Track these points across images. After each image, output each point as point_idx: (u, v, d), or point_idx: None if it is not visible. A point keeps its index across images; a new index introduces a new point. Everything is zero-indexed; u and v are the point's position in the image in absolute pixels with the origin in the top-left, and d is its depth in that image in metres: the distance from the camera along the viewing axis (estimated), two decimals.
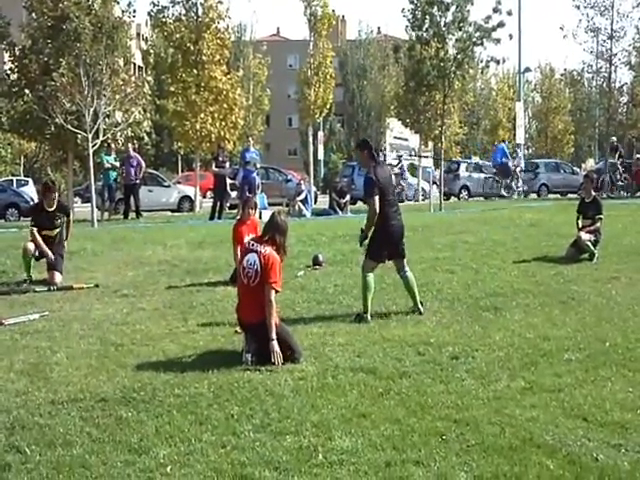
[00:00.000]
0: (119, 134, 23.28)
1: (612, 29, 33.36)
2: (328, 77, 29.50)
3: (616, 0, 33.04)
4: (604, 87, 37.14)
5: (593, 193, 12.67)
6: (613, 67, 34.67)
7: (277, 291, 6.92)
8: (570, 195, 32.15)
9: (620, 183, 29.96)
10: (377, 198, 8.52)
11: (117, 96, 20.68)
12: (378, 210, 8.50)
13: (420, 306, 8.73)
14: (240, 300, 7.24)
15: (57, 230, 11.41)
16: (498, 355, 6.90)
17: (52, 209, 11.28)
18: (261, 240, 7.19)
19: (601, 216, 12.39)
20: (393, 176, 9.96)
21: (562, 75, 60.36)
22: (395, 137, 40.01)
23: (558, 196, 32.23)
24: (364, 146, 9.00)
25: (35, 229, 11.15)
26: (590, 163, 55.43)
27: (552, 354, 6.94)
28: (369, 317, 8.45)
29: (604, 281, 10.37)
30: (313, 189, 28.72)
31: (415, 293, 8.79)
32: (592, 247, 11.96)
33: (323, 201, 29.36)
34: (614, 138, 32.03)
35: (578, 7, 33.65)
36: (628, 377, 6.27)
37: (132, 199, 22.69)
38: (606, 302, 9.16)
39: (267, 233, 7.21)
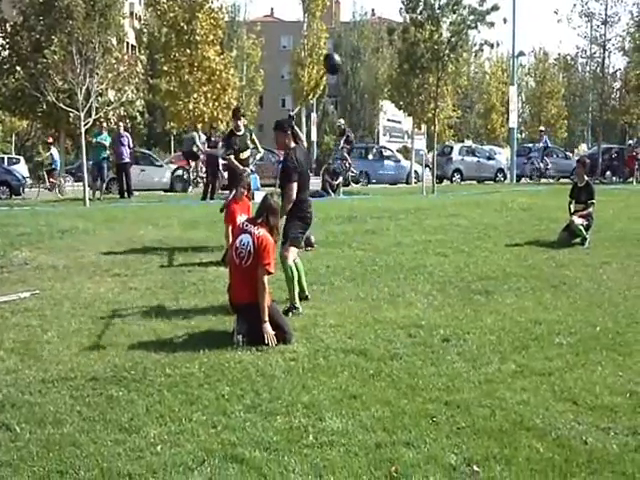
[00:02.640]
0: (111, 113, 23.18)
1: (606, 14, 33.41)
2: (321, 58, 29.37)
3: None
4: (598, 72, 37.23)
5: (586, 178, 12.67)
6: (607, 52, 34.78)
7: (270, 273, 6.91)
8: (562, 180, 32.17)
9: None
10: (295, 185, 7.93)
11: (110, 75, 20.60)
12: (295, 197, 7.92)
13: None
14: (231, 280, 7.22)
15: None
16: (489, 338, 6.91)
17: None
18: (254, 222, 7.17)
19: (593, 201, 12.40)
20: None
21: (556, 60, 60.41)
22: (389, 119, 39.95)
23: (551, 180, 32.23)
24: (285, 127, 8.18)
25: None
26: (583, 148, 55.57)
27: (543, 338, 6.95)
28: (300, 308, 7.97)
29: (595, 266, 10.39)
30: None
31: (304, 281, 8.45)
32: (584, 231, 11.98)
33: (315, 183, 29.28)
34: None
35: None
36: (618, 361, 6.30)
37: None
38: (597, 287, 9.18)
39: (260, 215, 7.17)
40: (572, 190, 12.74)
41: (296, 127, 8.53)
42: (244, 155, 11.73)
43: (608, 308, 8.10)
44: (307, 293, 8.45)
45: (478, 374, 5.94)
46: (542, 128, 36.23)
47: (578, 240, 11.97)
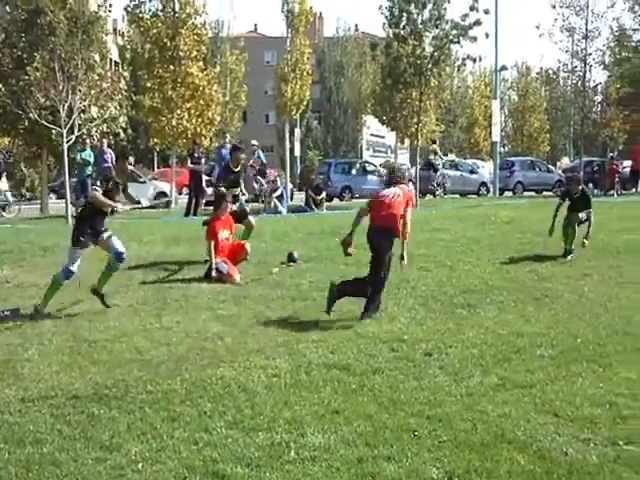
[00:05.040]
0: (94, 129, 23.12)
1: (587, 29, 33.67)
2: (305, 74, 29.43)
3: (591, 0, 33.40)
4: (579, 86, 37.45)
5: (580, 187, 12.62)
6: (588, 66, 34.99)
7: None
8: (545, 193, 32.39)
9: None
10: None
11: (93, 91, 20.54)
12: None
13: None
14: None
15: None
16: (471, 352, 6.93)
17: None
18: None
19: (590, 210, 12.37)
20: None
21: (538, 74, 60.86)
22: (372, 134, 40.12)
23: (533, 194, 32.42)
24: None
25: None
26: (565, 161, 55.89)
27: (525, 350, 6.99)
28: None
29: (577, 278, 10.46)
30: (289, 186, 28.68)
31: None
32: (572, 236, 12.05)
33: (299, 198, 29.31)
34: None
35: (554, 6, 33.94)
36: (598, 373, 6.34)
37: None
38: (578, 299, 9.24)
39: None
40: (566, 195, 12.63)
41: None
42: (235, 192, 11.73)
43: (589, 320, 8.16)
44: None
45: (460, 387, 5.96)
46: None
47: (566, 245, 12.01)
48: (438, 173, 30.70)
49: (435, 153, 31.53)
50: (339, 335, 7.57)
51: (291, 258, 11.64)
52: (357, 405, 5.59)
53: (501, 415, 5.36)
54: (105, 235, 8.90)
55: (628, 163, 34.19)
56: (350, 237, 8.87)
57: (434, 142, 32.67)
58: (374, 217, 8.65)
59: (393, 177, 9.09)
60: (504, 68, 39.29)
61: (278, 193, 23.30)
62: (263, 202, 23.23)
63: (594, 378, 6.19)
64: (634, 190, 31.18)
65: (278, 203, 22.78)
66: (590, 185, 34.01)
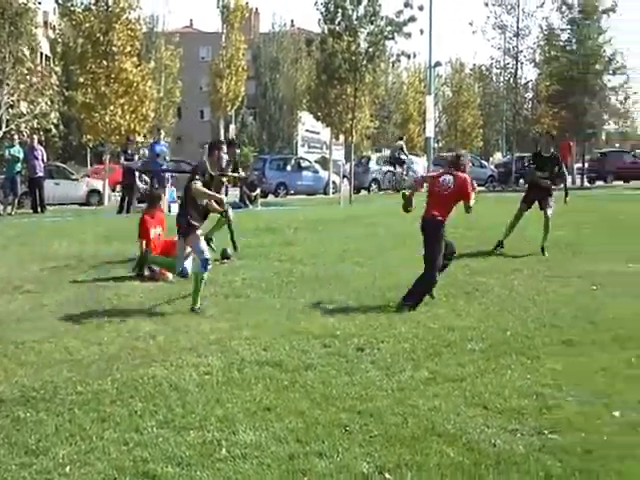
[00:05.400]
0: (24, 125, 22.65)
1: (518, 27, 34.37)
2: (240, 70, 29.40)
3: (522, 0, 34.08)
4: (511, 83, 38.19)
5: (552, 150, 12.76)
6: (519, 64, 35.72)
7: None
8: (479, 188, 32.81)
9: None
10: None
11: (21, 85, 20.20)
12: None
13: None
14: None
15: None
16: (403, 346, 7.00)
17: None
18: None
19: (564, 170, 12.76)
20: None
21: (471, 70, 61.76)
22: (307, 130, 40.14)
23: None
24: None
25: None
26: (498, 157, 56.91)
27: (456, 344, 7.09)
28: None
29: (507, 272, 10.65)
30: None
31: None
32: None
33: (234, 194, 29.17)
34: None
35: (487, 4, 34.61)
36: (526, 365, 6.47)
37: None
38: (509, 293, 9.41)
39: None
40: (535, 158, 12.86)
41: None
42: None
43: (518, 313, 8.32)
44: None
45: (391, 382, 6.01)
46: None
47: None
48: (404, 167, 31.23)
49: (401, 149, 32.00)
50: (272, 332, 7.56)
51: (225, 255, 11.58)
52: (289, 401, 5.60)
53: (431, 409, 5.43)
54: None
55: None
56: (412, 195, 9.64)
57: (400, 138, 33.11)
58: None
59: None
60: (438, 64, 39.79)
61: None
62: None
63: (522, 370, 6.32)
64: (562, 185, 31.79)
65: None
66: (521, 180, 34.75)
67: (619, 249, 12.47)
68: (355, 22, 23.92)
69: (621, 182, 36.40)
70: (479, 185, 32.81)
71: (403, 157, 31.50)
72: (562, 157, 32.39)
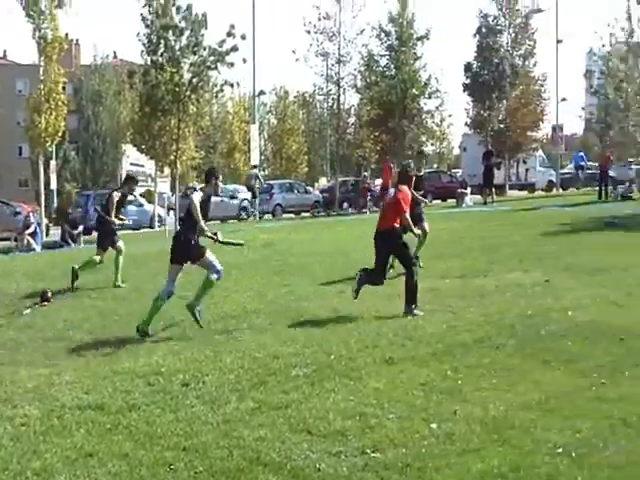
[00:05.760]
0: None
1: (339, 54, 35.41)
2: (60, 103, 28.45)
3: (342, 27, 35.18)
4: (334, 108, 39.21)
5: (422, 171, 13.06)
6: (341, 90, 36.78)
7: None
8: (304, 214, 33.45)
9: None
10: None
11: None
12: None
13: None
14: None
15: None
16: (228, 378, 6.98)
17: None
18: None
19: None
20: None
21: (295, 97, 62.99)
22: (132, 164, 39.46)
23: (292, 215, 33.37)
24: None
25: None
26: (323, 181, 58.17)
27: (281, 372, 7.14)
28: None
29: (331, 296, 10.86)
30: (44, 221, 27.47)
31: None
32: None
33: (56, 233, 28.17)
34: None
35: (308, 32, 35.42)
36: (350, 386, 6.62)
37: None
38: (333, 316, 9.60)
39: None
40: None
41: None
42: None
43: (342, 336, 8.46)
44: None
45: (216, 415, 5.98)
46: None
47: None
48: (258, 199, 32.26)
49: (257, 178, 32.54)
50: (94, 374, 7.33)
51: (44, 297, 11.15)
52: (112, 445, 5.45)
53: (257, 439, 5.45)
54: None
55: (379, 182, 36.24)
56: None
57: (254, 167, 33.23)
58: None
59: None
60: (262, 93, 40.39)
61: (31, 229, 22.26)
62: (16, 240, 22.11)
63: (346, 392, 6.45)
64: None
65: (32, 240, 21.74)
66: (345, 204, 35.72)
67: (439, 266, 12.98)
68: (178, 53, 23.86)
69: (439, 201, 38.12)
70: (305, 211, 33.74)
71: (258, 186, 32.34)
72: (384, 178, 33.79)
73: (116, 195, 12.56)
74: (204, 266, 9.36)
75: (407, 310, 9.48)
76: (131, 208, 32.22)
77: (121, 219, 12.95)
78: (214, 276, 9.29)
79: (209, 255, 9.37)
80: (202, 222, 9.10)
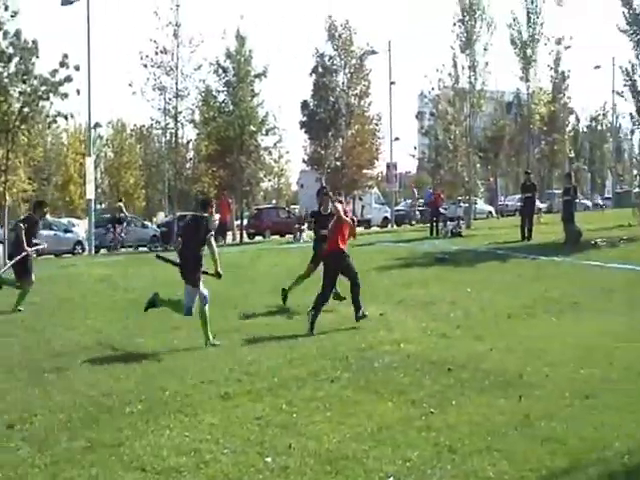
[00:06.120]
0: None
1: (177, 88, 35.18)
2: None
3: (180, 62, 35.03)
4: (172, 143, 38.87)
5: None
6: (179, 124, 36.48)
7: None
8: (141, 248, 32.87)
9: None
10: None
11: None
12: None
13: None
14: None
15: None
16: (58, 417, 6.74)
17: None
18: None
19: None
20: None
21: (133, 130, 62.05)
22: None
23: (130, 250, 32.71)
24: None
25: None
26: (161, 216, 57.40)
27: (114, 409, 6.98)
28: None
29: (167, 332, 10.71)
30: None
31: None
32: None
33: None
34: None
35: (146, 66, 34.97)
36: (185, 422, 6.56)
37: None
38: (169, 351, 9.49)
39: None
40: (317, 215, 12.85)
41: None
42: None
43: (177, 371, 8.37)
44: None
45: (45, 457, 5.75)
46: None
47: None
48: (123, 226, 33.02)
49: (121, 210, 33.07)
50: None
51: None
52: None
53: (87, 478, 5.30)
54: None
55: (217, 216, 36.20)
56: None
57: (120, 200, 32.42)
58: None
59: None
60: (98, 125, 39.47)
61: None
62: None
63: (181, 428, 6.40)
64: (223, 242, 32.94)
65: None
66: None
67: (276, 300, 13.09)
68: (6, 80, 22.92)
69: (277, 236, 38.56)
70: (142, 245, 33.16)
71: (122, 216, 33.01)
72: (221, 214, 33.71)
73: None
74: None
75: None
76: None
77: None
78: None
79: None
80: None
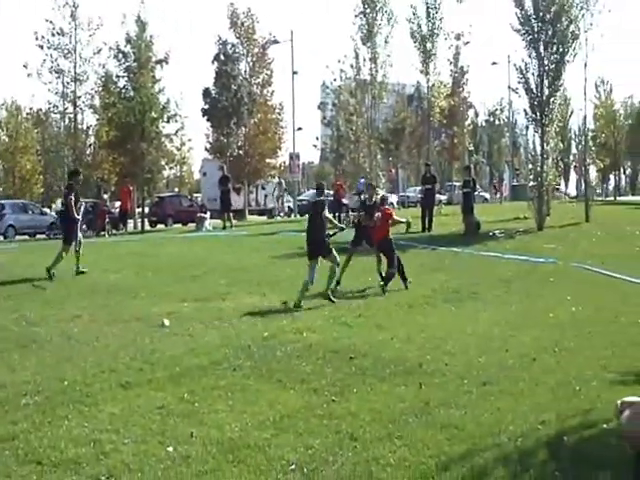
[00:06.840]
0: None
1: (75, 72, 34.26)
2: None
3: (78, 45, 34.11)
4: (70, 128, 37.87)
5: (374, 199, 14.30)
6: (78, 109, 35.57)
7: None
8: (39, 236, 31.92)
9: None
10: None
11: None
12: None
13: None
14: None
15: None
16: None
17: None
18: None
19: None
20: None
21: (29, 114, 60.02)
22: None
23: (26, 237, 31.73)
24: None
25: None
26: (58, 203, 55.85)
27: (9, 401, 6.78)
28: None
29: (67, 320, 10.48)
30: None
31: None
32: None
33: None
34: None
35: (41, 47, 33.88)
36: (84, 412, 6.43)
37: None
38: (67, 341, 9.27)
39: None
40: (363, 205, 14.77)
41: None
42: None
43: (77, 361, 8.22)
44: None
45: None
46: None
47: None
48: None
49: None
50: None
51: None
52: None
53: None
54: None
55: (118, 204, 35.52)
56: None
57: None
58: None
59: None
60: None
61: None
62: None
63: (80, 419, 6.26)
64: (124, 230, 32.36)
65: None
66: (84, 226, 34.51)
67: (178, 289, 13.00)
68: None
69: (179, 225, 38.02)
70: (40, 233, 32.19)
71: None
72: (122, 202, 33.07)
73: None
74: None
75: None
76: None
77: None
78: None
79: None
80: None
